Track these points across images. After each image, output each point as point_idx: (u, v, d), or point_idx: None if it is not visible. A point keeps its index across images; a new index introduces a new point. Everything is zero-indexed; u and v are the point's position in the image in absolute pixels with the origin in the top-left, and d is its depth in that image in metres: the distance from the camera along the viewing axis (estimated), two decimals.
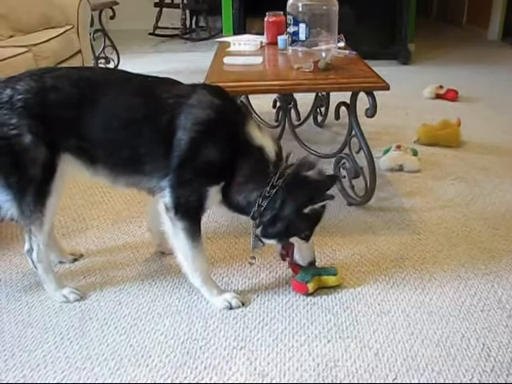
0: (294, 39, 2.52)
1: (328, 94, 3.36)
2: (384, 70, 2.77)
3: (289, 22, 2.56)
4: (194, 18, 7.57)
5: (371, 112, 2.27)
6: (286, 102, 2.87)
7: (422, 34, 6.36)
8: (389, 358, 1.61)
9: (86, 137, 1.72)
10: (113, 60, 5.02)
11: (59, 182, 1.75)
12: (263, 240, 1.84)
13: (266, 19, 3.11)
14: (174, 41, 6.91)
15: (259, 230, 1.82)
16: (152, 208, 1.94)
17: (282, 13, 2.99)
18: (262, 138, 1.77)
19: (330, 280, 1.91)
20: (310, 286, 1.87)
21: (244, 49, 2.98)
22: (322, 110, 3.50)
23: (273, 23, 3.08)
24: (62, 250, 2.12)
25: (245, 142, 1.75)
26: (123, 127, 1.73)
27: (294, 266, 1.94)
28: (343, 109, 2.55)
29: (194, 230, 1.78)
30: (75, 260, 2.12)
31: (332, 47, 2.57)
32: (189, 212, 1.76)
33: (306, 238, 1.84)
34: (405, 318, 1.78)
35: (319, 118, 3.53)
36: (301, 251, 1.89)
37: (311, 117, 3.50)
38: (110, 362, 1.60)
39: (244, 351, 1.64)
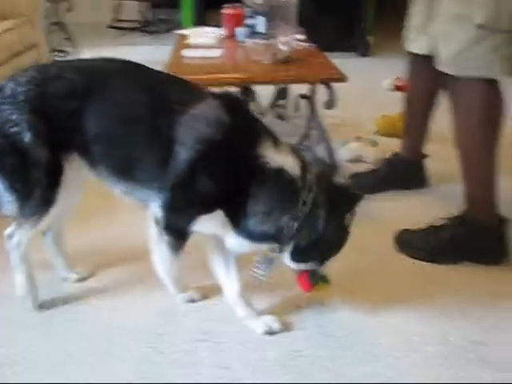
0: (253, 31, 2.53)
1: (288, 87, 3.37)
2: (343, 62, 2.79)
3: (247, 14, 2.57)
4: (154, 11, 7.49)
5: (330, 104, 2.30)
6: (246, 94, 2.87)
7: (382, 27, 6.40)
8: (352, 345, 1.64)
9: (88, 132, 1.56)
10: (70, 53, 4.94)
11: (67, 188, 1.61)
12: (294, 265, 1.65)
13: (224, 11, 3.11)
14: (133, 34, 6.81)
15: (287, 254, 1.62)
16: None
17: (240, 5, 3.00)
18: (280, 157, 1.55)
19: (325, 287, 1.74)
20: (317, 288, 1.70)
21: (203, 41, 2.97)
22: (283, 102, 3.51)
23: (231, 16, 3.08)
24: (69, 266, 1.92)
25: (258, 167, 1.53)
26: (121, 124, 1.58)
27: (303, 279, 1.69)
28: (304, 101, 2.57)
29: (178, 246, 1.64)
30: (80, 280, 1.92)
31: (291, 39, 2.59)
32: (177, 233, 1.63)
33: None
34: (367, 305, 1.81)
35: (279, 111, 3.54)
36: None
37: (271, 109, 3.50)
38: (74, 357, 1.59)
39: (208, 343, 1.64)
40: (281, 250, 1.61)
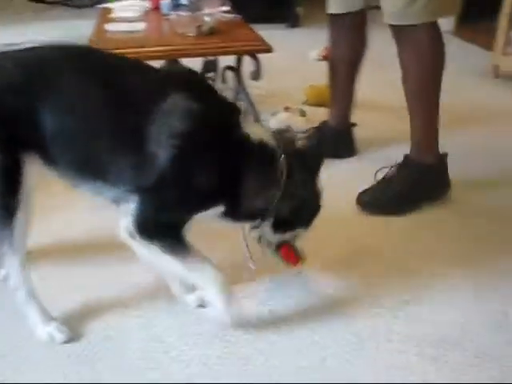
0: (176, 4, 2.50)
1: (217, 59, 3.35)
2: (272, 33, 2.80)
3: None
4: None
5: (256, 75, 2.30)
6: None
7: None
8: (281, 313, 1.67)
9: (45, 130, 1.40)
10: None
11: (28, 190, 1.45)
12: (278, 236, 1.65)
13: None
14: (56, 8, 6.58)
15: (269, 227, 1.61)
16: None
17: None
18: (256, 129, 1.54)
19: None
20: (303, 260, 1.73)
21: (127, 15, 2.91)
22: (211, 74, 3.49)
23: None
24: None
25: (242, 145, 1.49)
26: (81, 121, 1.43)
27: (289, 253, 1.71)
28: (231, 73, 2.56)
29: (172, 245, 1.49)
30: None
31: (216, 11, 2.57)
32: (162, 230, 1.48)
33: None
34: (296, 278, 1.84)
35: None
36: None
37: None
38: None
39: (140, 319, 1.64)
40: (262, 225, 1.60)
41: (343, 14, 2.35)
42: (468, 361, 1.51)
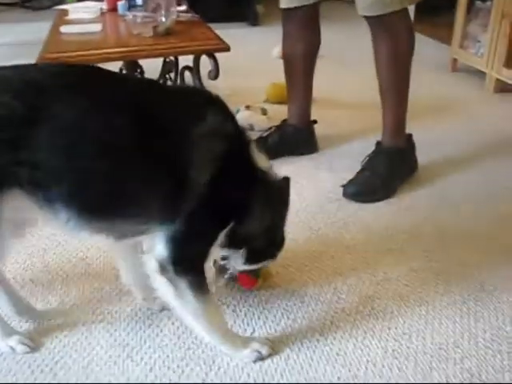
0: (132, 4, 2.48)
1: (176, 59, 3.33)
2: (232, 32, 2.79)
3: None
4: None
5: (214, 74, 2.30)
6: (131, 69, 2.82)
7: None
8: (246, 312, 1.66)
9: (40, 165, 1.21)
10: None
11: (5, 231, 1.29)
12: (247, 266, 1.57)
13: None
14: (13, 10, 6.47)
15: (241, 258, 1.53)
16: (121, 257, 1.63)
17: None
18: (258, 155, 1.46)
19: (269, 277, 1.77)
20: (260, 281, 1.72)
21: (83, 16, 2.88)
22: (171, 75, 3.47)
23: None
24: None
25: (255, 169, 1.43)
26: (99, 155, 1.24)
27: (244, 276, 1.70)
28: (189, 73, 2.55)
29: (201, 283, 1.41)
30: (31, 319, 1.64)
31: (172, 11, 2.55)
32: (196, 263, 1.40)
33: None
34: None
35: (168, 84, 3.50)
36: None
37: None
38: None
39: (103, 324, 1.62)
40: (236, 253, 1.52)
41: (296, 7, 2.36)
42: None
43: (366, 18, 2.21)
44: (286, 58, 2.55)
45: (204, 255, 1.39)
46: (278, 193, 1.51)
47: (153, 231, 1.34)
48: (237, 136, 1.40)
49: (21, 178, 1.22)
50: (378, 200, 2.27)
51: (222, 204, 1.36)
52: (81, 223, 1.30)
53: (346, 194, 2.29)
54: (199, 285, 1.39)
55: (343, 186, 2.31)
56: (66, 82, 1.25)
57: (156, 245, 1.35)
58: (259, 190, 1.43)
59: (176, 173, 1.29)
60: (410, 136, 2.43)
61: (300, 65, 2.52)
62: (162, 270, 1.35)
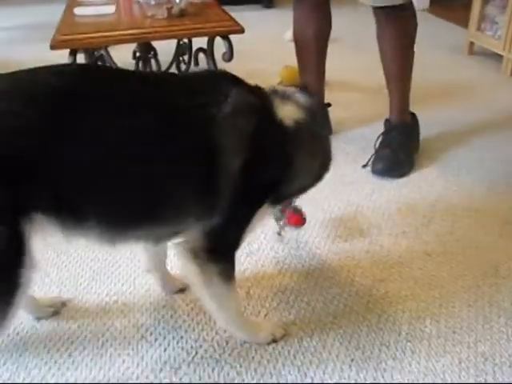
0: None
1: (190, 41, 3.31)
2: (247, 14, 2.78)
3: None
4: None
5: (228, 56, 2.29)
6: (145, 51, 2.81)
7: None
8: (260, 294, 1.67)
9: (65, 184, 1.10)
10: None
11: (30, 262, 1.14)
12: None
13: None
14: None
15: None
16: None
17: None
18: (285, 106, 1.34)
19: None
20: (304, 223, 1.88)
21: None
22: (185, 57, 3.45)
23: None
24: (38, 303, 1.60)
25: (285, 128, 1.32)
26: (129, 163, 1.14)
27: (292, 215, 1.85)
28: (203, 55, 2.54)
29: (231, 268, 1.39)
30: (56, 313, 1.61)
31: None
32: (231, 251, 1.37)
33: None
34: (273, 255, 1.84)
35: (183, 67, 3.48)
36: None
37: (174, 66, 3.44)
38: None
39: (117, 305, 1.63)
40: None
41: None
42: None
43: (375, 7, 2.23)
44: (298, 41, 2.53)
45: (239, 242, 1.35)
46: (316, 131, 1.43)
47: (191, 228, 1.31)
48: (260, 107, 1.28)
49: (41, 200, 1.10)
50: (405, 174, 2.32)
51: (260, 185, 1.30)
52: (114, 235, 1.24)
53: (375, 172, 2.33)
54: (229, 273, 1.38)
55: (364, 165, 2.36)
56: (80, 85, 1.14)
57: (191, 234, 1.31)
58: (296, 146, 1.34)
59: (208, 166, 1.21)
60: (413, 114, 2.51)
61: (311, 48, 2.52)
62: (194, 257, 1.32)
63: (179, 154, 1.19)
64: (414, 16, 2.31)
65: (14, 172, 1.05)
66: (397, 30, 2.28)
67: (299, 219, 1.86)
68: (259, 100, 1.29)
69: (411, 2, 2.25)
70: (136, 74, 1.42)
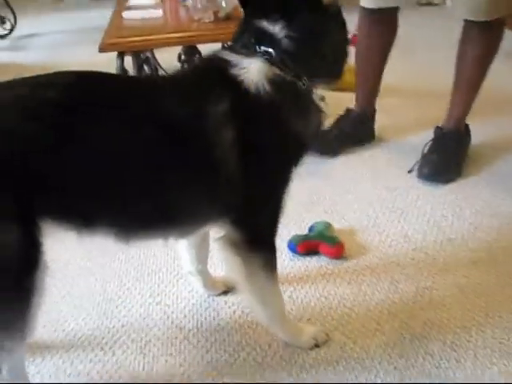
0: None
1: None
2: None
3: None
4: None
5: None
6: (190, 54, 2.84)
7: None
8: (303, 299, 1.66)
9: (73, 190, 1.11)
10: (9, 20, 4.77)
11: (43, 266, 1.13)
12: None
13: None
14: None
15: None
16: (185, 246, 1.60)
17: None
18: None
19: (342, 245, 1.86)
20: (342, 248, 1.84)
21: (144, 2, 2.91)
22: None
23: None
24: (213, 280, 1.69)
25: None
26: (140, 170, 1.15)
27: (325, 246, 1.83)
28: None
29: (273, 260, 1.38)
30: (226, 292, 1.69)
31: None
32: (269, 238, 1.35)
33: None
34: (316, 259, 1.83)
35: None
36: None
37: None
38: None
39: (160, 306, 1.65)
40: None
41: (379, 8, 2.34)
42: None
43: (466, 21, 2.21)
44: (361, 52, 2.49)
45: (275, 224, 1.33)
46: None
47: (214, 221, 1.31)
48: (237, 89, 1.21)
49: (52, 207, 1.12)
50: (452, 180, 2.30)
51: (270, 164, 1.26)
52: (130, 234, 1.25)
53: (422, 176, 2.31)
54: (271, 265, 1.37)
55: (410, 170, 2.35)
56: (83, 95, 1.13)
57: (225, 227, 1.31)
58: (281, 97, 1.24)
59: (212, 160, 1.19)
60: (467, 124, 2.47)
61: (375, 60, 2.53)
62: (236, 249, 1.32)
63: (184, 158, 1.18)
64: (502, 32, 2.28)
65: (25, 182, 1.05)
66: (484, 43, 2.26)
67: (339, 251, 1.83)
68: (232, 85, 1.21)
69: (503, 19, 2.22)
70: (131, 79, 1.44)
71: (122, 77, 1.28)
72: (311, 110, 1.31)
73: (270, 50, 1.24)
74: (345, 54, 1.35)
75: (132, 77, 1.35)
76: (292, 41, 1.24)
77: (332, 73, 1.35)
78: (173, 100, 1.19)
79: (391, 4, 2.34)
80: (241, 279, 1.37)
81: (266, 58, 1.23)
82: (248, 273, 1.34)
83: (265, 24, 1.25)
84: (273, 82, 1.22)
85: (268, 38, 1.24)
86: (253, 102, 1.21)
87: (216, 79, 1.23)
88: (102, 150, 1.10)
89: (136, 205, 1.18)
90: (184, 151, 1.17)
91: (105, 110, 1.12)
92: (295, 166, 1.33)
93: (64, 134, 1.07)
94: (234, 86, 1.21)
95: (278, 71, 1.24)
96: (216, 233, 1.37)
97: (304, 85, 1.26)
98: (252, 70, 1.22)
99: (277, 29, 1.24)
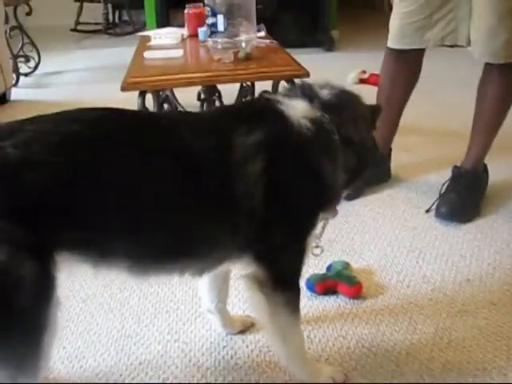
0: (213, 30, 2.55)
1: (253, 84, 3.38)
2: (308, 57, 2.81)
3: (207, 13, 2.57)
4: (117, 13, 7.45)
5: None
6: (209, 93, 2.88)
7: (346, 21, 6.47)
8: (321, 338, 1.65)
9: (92, 225, 1.12)
10: (33, 58, 4.88)
11: (57, 301, 1.13)
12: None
13: (186, 11, 3.11)
14: (97, 36, 6.78)
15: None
16: (206, 285, 1.60)
17: (201, 4, 3.00)
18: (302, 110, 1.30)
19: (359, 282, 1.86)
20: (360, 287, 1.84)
21: (165, 42, 2.97)
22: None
23: (193, 15, 3.08)
24: (232, 320, 1.69)
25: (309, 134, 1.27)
26: (157, 203, 1.15)
27: (343, 286, 1.83)
28: None
29: (297, 300, 1.38)
30: (243, 331, 1.69)
31: (252, 37, 2.60)
32: (294, 277, 1.36)
33: None
34: (334, 299, 1.82)
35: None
36: None
37: None
38: None
39: (178, 344, 1.64)
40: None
41: (408, 49, 2.37)
42: None
43: (487, 63, 2.24)
44: (383, 91, 2.52)
45: (300, 263, 1.34)
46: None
47: (235, 258, 1.31)
48: (281, 122, 1.26)
49: (68, 240, 1.12)
50: (470, 220, 2.30)
51: (300, 201, 1.28)
52: (145, 268, 1.25)
53: (439, 215, 2.31)
54: (295, 304, 1.37)
55: (428, 210, 2.36)
56: (102, 130, 1.15)
57: (249, 264, 1.30)
58: (317, 147, 1.29)
59: (230, 197, 1.20)
60: (485, 164, 2.48)
61: (397, 99, 2.53)
62: (260, 286, 1.31)
63: (202, 193, 1.18)
64: None
65: (44, 215, 1.06)
66: (504, 84, 2.28)
67: (358, 290, 1.83)
68: (267, 128, 1.24)
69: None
70: (151, 116, 1.48)
71: (144, 113, 1.30)
72: (340, 161, 1.33)
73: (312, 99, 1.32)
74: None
75: (157, 113, 1.39)
76: (332, 99, 1.34)
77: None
78: (198, 132, 1.21)
79: (418, 46, 2.36)
80: (263, 317, 1.37)
81: (310, 101, 1.31)
82: (271, 311, 1.34)
83: (314, 84, 1.36)
84: (314, 121, 1.28)
85: (313, 94, 1.34)
86: (294, 135, 1.26)
87: (260, 112, 1.30)
88: (122, 183, 1.12)
89: (153, 236, 1.18)
90: (206, 184, 1.18)
91: (125, 144, 1.14)
92: (323, 209, 1.36)
93: (86, 168, 1.10)
94: (279, 119, 1.26)
95: (319, 114, 1.30)
96: (239, 271, 1.37)
97: (334, 135, 1.31)
98: (297, 107, 1.29)
99: (324, 91, 1.35)
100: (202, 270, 1.35)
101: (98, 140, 1.13)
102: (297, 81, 1.42)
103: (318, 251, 1.49)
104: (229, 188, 1.19)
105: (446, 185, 2.41)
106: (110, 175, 1.11)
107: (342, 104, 1.35)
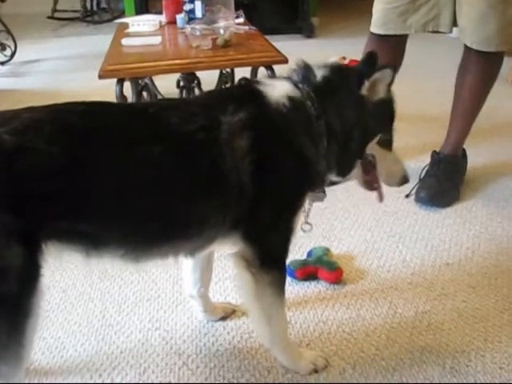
0: (191, 17, 2.52)
1: (232, 71, 3.37)
2: (288, 44, 2.80)
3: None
4: (95, 0, 7.36)
5: None
6: (188, 81, 2.86)
7: (326, 8, 6.45)
8: (301, 324, 1.66)
9: (84, 214, 1.14)
10: (9, 46, 4.79)
11: (41, 290, 1.13)
12: (342, 180, 1.50)
13: None
14: (74, 24, 6.68)
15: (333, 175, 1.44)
16: (190, 268, 1.60)
17: None
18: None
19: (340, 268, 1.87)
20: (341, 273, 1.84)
21: (143, 29, 2.94)
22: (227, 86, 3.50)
23: (171, 1, 3.05)
24: (213, 306, 1.69)
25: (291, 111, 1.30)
26: (146, 190, 1.17)
27: (323, 271, 1.84)
28: None
29: (282, 282, 1.40)
30: (224, 318, 1.69)
31: (231, 23, 2.59)
32: (280, 257, 1.37)
33: (388, 144, 1.51)
34: (315, 285, 1.83)
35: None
36: (388, 168, 1.54)
37: None
38: None
39: (159, 332, 1.64)
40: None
41: (388, 35, 2.36)
42: None
43: (470, 49, 2.24)
44: None
45: (286, 243, 1.35)
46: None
47: (224, 237, 1.32)
48: (259, 102, 1.29)
49: (59, 230, 1.13)
50: (449, 204, 2.32)
51: (282, 184, 1.29)
52: (138, 254, 1.25)
53: (419, 200, 2.34)
54: (280, 285, 1.39)
55: (407, 195, 2.38)
56: (93, 122, 1.16)
57: (237, 242, 1.33)
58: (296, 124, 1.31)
59: (220, 175, 1.22)
60: (464, 149, 2.51)
61: None
62: (248, 265, 1.34)
63: (196, 169, 1.21)
64: (502, 61, 2.32)
65: (36, 203, 1.08)
66: (483, 72, 2.30)
67: (338, 276, 1.83)
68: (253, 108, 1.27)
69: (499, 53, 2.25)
70: (138, 105, 1.49)
71: (133, 103, 1.33)
72: (322, 145, 1.34)
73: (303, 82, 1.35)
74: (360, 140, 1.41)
75: (147, 102, 1.42)
76: (323, 84, 1.35)
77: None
78: (185, 114, 1.24)
79: (401, 31, 2.35)
80: (249, 296, 1.39)
81: (295, 83, 1.34)
82: (257, 289, 1.36)
83: (314, 66, 1.39)
84: (293, 100, 1.30)
85: (308, 76, 1.36)
86: (272, 112, 1.28)
87: (241, 93, 1.34)
88: (112, 171, 1.14)
89: (146, 221, 1.20)
90: (195, 163, 1.20)
91: (115, 133, 1.17)
92: (309, 189, 1.38)
93: (79, 157, 1.11)
94: (256, 98, 1.29)
95: (299, 94, 1.32)
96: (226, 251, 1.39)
97: (319, 120, 1.32)
98: (278, 88, 1.32)
99: (319, 72, 1.36)
100: (194, 250, 1.36)
101: (90, 129, 1.14)
102: (298, 61, 1.40)
103: (307, 227, 1.52)
104: (218, 166, 1.21)
105: (426, 170, 2.43)
106: (100, 163, 1.13)
107: (330, 90, 1.35)
